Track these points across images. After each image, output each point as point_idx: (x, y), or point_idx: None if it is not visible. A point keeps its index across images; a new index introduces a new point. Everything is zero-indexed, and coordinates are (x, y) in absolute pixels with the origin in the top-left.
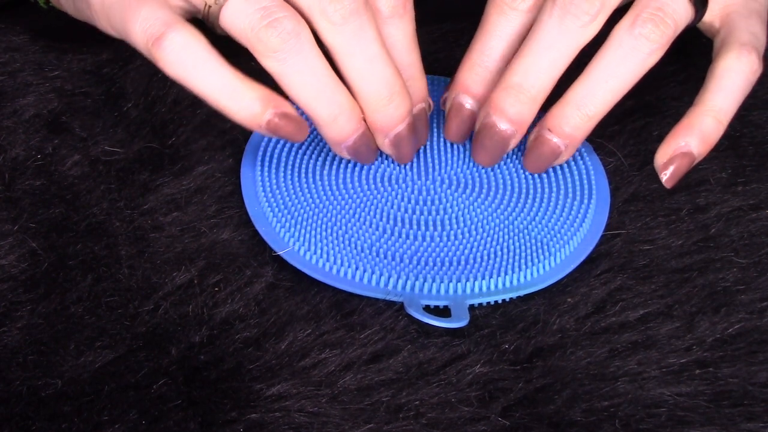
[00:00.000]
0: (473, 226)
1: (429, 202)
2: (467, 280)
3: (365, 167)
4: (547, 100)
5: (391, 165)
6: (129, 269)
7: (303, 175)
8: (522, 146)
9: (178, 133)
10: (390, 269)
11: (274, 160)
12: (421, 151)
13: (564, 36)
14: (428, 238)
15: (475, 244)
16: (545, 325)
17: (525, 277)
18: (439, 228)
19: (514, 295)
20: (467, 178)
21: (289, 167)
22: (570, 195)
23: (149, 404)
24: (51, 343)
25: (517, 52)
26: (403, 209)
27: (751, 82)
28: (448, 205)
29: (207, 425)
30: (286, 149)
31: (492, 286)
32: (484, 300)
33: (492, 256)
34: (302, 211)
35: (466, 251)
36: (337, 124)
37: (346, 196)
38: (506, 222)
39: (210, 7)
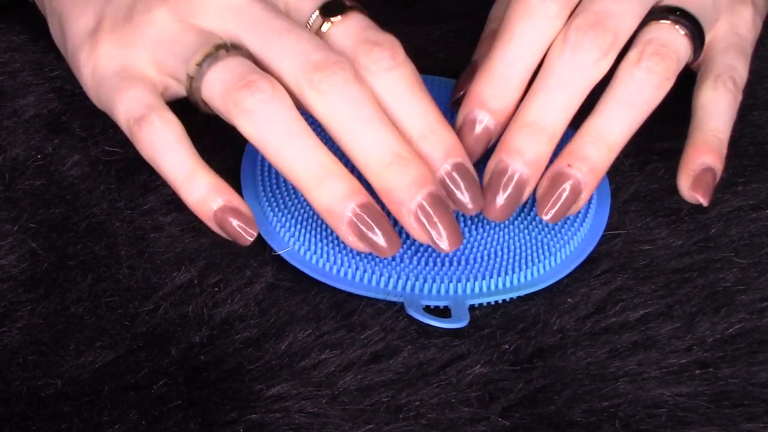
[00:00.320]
0: (473, 226)
1: None
2: (467, 280)
3: None
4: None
5: None
6: (129, 269)
7: None
8: None
9: None
10: (390, 269)
11: None
12: None
13: (577, 72)
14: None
15: (476, 244)
16: (545, 325)
17: (525, 277)
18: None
19: (514, 295)
20: None
21: None
22: None
23: (149, 404)
24: (51, 343)
25: (528, 91)
26: None
27: (734, 108)
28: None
29: (207, 425)
30: None
31: (492, 286)
32: (484, 300)
33: (492, 256)
34: (302, 210)
35: (466, 251)
36: (324, 186)
37: None
38: (506, 222)
39: (192, 78)
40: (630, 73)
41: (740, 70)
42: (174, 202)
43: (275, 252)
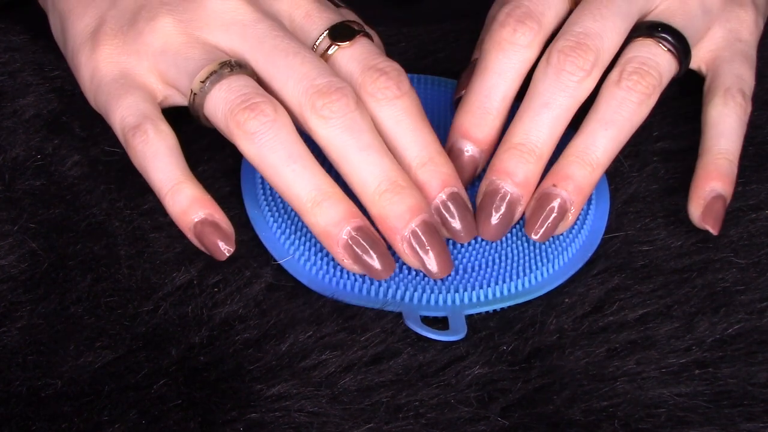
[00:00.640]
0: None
1: None
2: (465, 289)
3: None
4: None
5: None
6: (129, 269)
7: None
8: None
9: (178, 134)
10: (388, 280)
11: None
12: None
13: (561, 93)
14: None
15: (473, 252)
16: (543, 325)
17: (523, 284)
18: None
19: (512, 303)
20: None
21: None
22: None
23: (149, 404)
24: (51, 343)
25: (515, 114)
26: None
27: (744, 121)
28: None
29: (207, 425)
30: None
31: (490, 295)
32: (482, 309)
33: (490, 264)
34: None
35: (464, 260)
36: (321, 210)
37: None
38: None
39: (195, 95)
40: (611, 93)
41: (747, 79)
42: None
43: (275, 261)
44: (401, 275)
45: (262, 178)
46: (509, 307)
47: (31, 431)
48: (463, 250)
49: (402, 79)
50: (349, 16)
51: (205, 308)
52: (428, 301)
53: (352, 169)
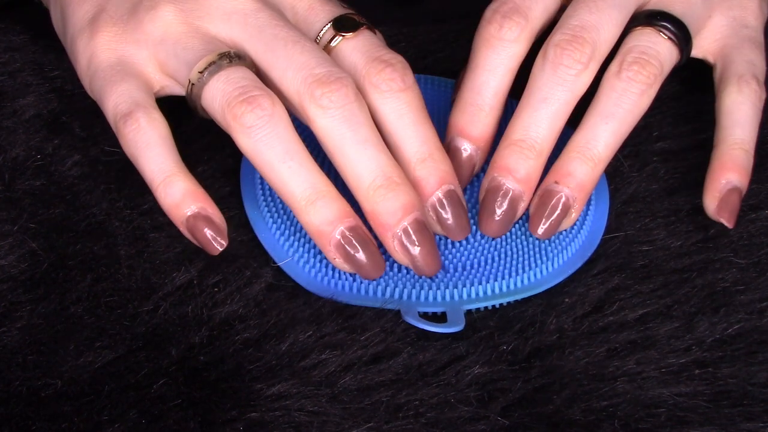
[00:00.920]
0: (471, 234)
1: None
2: (463, 285)
3: None
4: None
5: None
6: (128, 269)
7: None
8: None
9: (178, 132)
10: (387, 278)
11: None
12: None
13: (559, 87)
14: None
15: (472, 250)
16: (542, 325)
17: (522, 281)
18: (436, 236)
19: (511, 299)
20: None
21: None
22: None
23: (149, 404)
24: (51, 343)
25: (515, 111)
26: None
27: (760, 109)
28: None
29: (207, 424)
30: None
31: (489, 291)
32: (481, 305)
33: (489, 261)
34: None
35: (463, 258)
36: (315, 208)
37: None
38: None
39: (193, 85)
40: (611, 85)
41: (759, 65)
42: None
43: (274, 263)
44: (400, 273)
45: (261, 178)
46: (509, 306)
47: (31, 431)
48: (461, 248)
49: (407, 72)
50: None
51: (205, 308)
52: (426, 297)
53: (347, 162)
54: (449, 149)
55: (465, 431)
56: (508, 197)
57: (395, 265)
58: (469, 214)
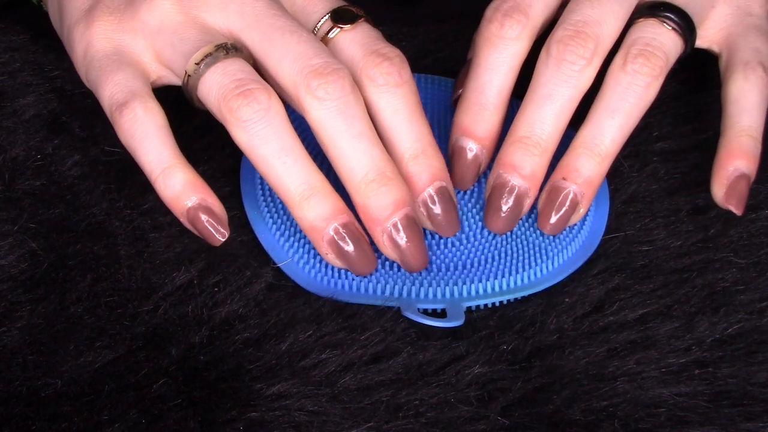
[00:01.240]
0: (471, 233)
1: None
2: (464, 283)
3: None
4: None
5: None
6: (128, 269)
7: None
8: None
9: (179, 133)
10: (387, 277)
11: None
12: None
13: (563, 83)
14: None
15: (473, 249)
16: (543, 325)
17: (522, 280)
18: (436, 236)
19: (511, 297)
20: None
21: None
22: None
23: (149, 404)
24: (51, 343)
25: (520, 107)
26: None
27: (766, 95)
28: None
29: (207, 424)
30: None
31: (489, 289)
32: (480, 302)
33: (489, 260)
34: None
35: (464, 257)
36: (310, 205)
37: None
38: None
39: (189, 76)
40: (616, 78)
41: (765, 51)
42: None
43: (274, 264)
44: (401, 271)
45: (261, 178)
46: (509, 306)
47: (31, 431)
48: (462, 246)
49: (404, 66)
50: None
51: (205, 308)
52: (427, 294)
53: (341, 155)
54: (454, 149)
55: (465, 431)
56: (514, 194)
57: (395, 263)
58: (475, 212)
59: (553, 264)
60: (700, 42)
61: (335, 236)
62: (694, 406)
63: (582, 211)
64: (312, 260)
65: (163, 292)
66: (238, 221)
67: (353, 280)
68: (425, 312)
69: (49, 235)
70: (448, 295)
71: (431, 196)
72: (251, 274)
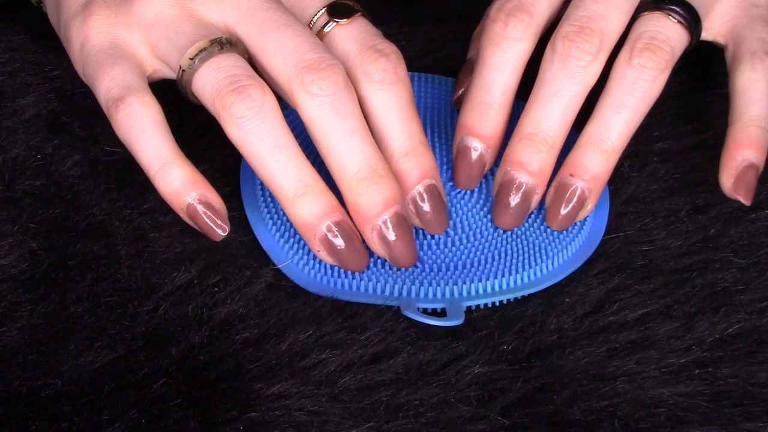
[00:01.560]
0: (471, 233)
1: None
2: (463, 283)
3: None
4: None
5: None
6: (128, 269)
7: None
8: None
9: (178, 133)
10: (387, 276)
11: None
12: None
13: (569, 79)
14: (425, 247)
15: (473, 249)
16: (543, 325)
17: (522, 279)
18: (436, 235)
19: (510, 296)
20: None
21: None
22: None
23: (149, 404)
24: (51, 343)
25: (526, 104)
26: None
27: None
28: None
29: (207, 424)
30: None
31: (488, 288)
32: (480, 301)
33: (489, 260)
34: None
35: (463, 256)
36: (303, 203)
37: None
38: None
39: (184, 71)
40: (622, 73)
41: None
42: None
43: (274, 266)
44: (400, 272)
45: (262, 184)
46: (509, 306)
47: (31, 431)
48: (462, 246)
49: (400, 63)
50: None
51: (205, 308)
52: (427, 294)
53: (333, 152)
54: (459, 148)
55: (465, 431)
56: (522, 191)
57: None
58: (475, 212)
59: (552, 264)
60: (706, 34)
61: (328, 234)
62: (694, 406)
63: (590, 206)
64: (312, 261)
65: (163, 292)
66: (238, 221)
67: (353, 279)
68: (425, 311)
69: (49, 235)
70: (448, 294)
71: (420, 194)
72: (251, 274)
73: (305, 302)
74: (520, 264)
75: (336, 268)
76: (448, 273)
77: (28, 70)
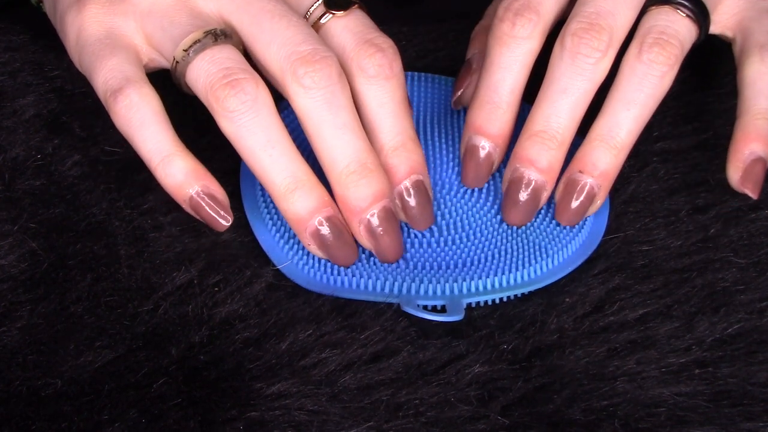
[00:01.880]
0: (471, 231)
1: None
2: (463, 280)
3: None
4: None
5: None
6: (129, 269)
7: None
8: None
9: (178, 133)
10: (387, 273)
11: None
12: None
13: (578, 76)
14: (425, 245)
15: (473, 248)
16: (543, 324)
17: (522, 277)
18: (436, 234)
19: (510, 293)
20: None
21: None
22: None
23: (149, 403)
24: (51, 343)
25: (535, 100)
26: None
27: None
28: (446, 210)
29: (207, 423)
30: None
31: (489, 286)
32: (480, 299)
33: (489, 257)
34: None
35: (464, 254)
36: (294, 198)
37: None
38: (504, 226)
39: (178, 63)
40: (631, 69)
41: None
42: (174, 202)
43: (274, 267)
44: (399, 269)
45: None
46: (510, 305)
47: (31, 431)
48: (462, 244)
49: (396, 58)
50: None
51: (205, 307)
52: (427, 291)
53: (324, 145)
54: (467, 147)
55: (465, 430)
56: (531, 187)
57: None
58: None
59: (552, 262)
60: (713, 28)
61: (319, 228)
62: (694, 406)
63: (599, 203)
64: (311, 260)
65: (163, 291)
66: (238, 222)
67: (353, 277)
68: (425, 308)
69: (49, 235)
70: (448, 291)
71: (407, 189)
72: (251, 273)
73: (305, 302)
74: (519, 262)
75: (335, 267)
76: (449, 270)
77: (28, 70)
